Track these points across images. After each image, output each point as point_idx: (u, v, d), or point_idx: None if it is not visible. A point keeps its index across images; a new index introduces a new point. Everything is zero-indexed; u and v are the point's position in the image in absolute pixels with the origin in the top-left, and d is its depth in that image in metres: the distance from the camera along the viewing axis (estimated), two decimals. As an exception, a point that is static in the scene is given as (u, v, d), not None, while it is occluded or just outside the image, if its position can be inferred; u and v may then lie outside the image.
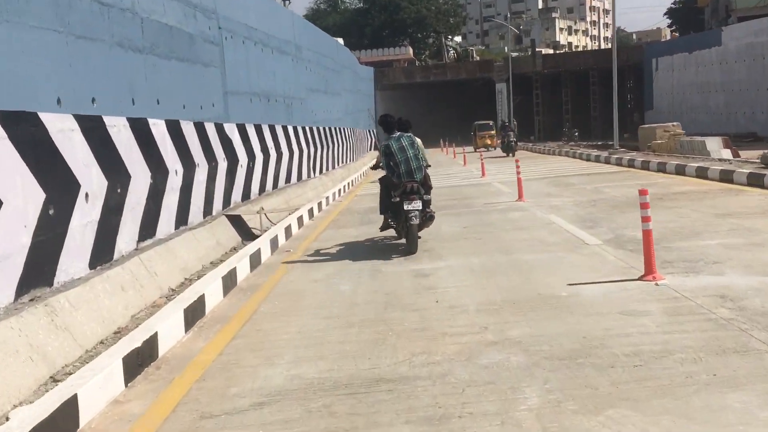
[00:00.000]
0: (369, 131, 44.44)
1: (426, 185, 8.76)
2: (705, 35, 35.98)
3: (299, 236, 11.09)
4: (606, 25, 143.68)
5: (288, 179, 17.01)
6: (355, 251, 9.00)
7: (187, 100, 10.18)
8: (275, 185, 15.60)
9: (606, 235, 8.69)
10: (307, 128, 19.95)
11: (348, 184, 21.04)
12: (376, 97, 48.34)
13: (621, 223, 9.45)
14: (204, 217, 10.58)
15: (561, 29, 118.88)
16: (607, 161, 22.08)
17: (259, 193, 14.19)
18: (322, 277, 7.56)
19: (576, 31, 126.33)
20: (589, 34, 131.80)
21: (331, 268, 8.03)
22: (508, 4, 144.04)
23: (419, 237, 8.70)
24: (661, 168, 17.43)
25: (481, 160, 22.33)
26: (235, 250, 9.97)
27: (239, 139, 12.92)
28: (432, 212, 8.87)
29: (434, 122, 55.20)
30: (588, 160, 24.20)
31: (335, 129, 25.64)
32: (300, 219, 12.22)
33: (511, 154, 29.79)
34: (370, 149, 43.89)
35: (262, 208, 11.87)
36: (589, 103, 46.58)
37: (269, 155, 15.09)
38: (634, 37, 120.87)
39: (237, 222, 11.27)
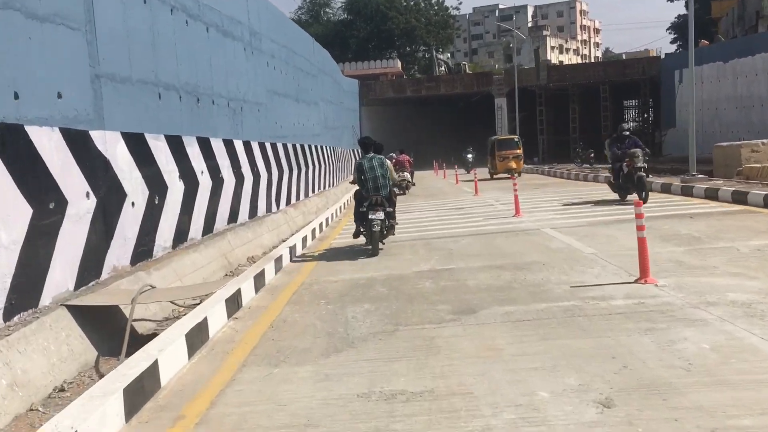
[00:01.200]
0: (352, 151, 39.27)
1: (390, 200, 10.48)
2: (748, 40, 31.18)
3: (219, 349, 5.69)
4: (597, 44, 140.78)
5: (233, 218, 11.63)
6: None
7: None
8: (208, 229, 10.21)
9: None
10: (268, 144, 14.64)
11: (326, 220, 15.71)
12: (361, 113, 43.25)
13: None
14: (12, 315, 5.19)
15: (552, 47, 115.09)
16: (687, 193, 15.28)
17: (174, 246, 8.78)
18: None
19: (567, 50, 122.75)
20: (580, 53, 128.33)
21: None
22: (497, 23, 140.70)
23: (383, 243, 10.47)
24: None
25: (515, 191, 14.77)
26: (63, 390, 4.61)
27: (127, 157, 7.55)
28: (395, 223, 10.83)
29: (426, 141, 50.23)
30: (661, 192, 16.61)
31: (310, 147, 20.37)
32: (234, 297, 6.84)
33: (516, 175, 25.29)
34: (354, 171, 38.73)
35: (152, 287, 6.43)
36: (599, 121, 41.77)
37: (196, 183, 9.73)
38: (624, 57, 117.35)
39: (93, 316, 5.86)
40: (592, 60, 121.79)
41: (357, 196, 10.65)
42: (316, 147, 21.63)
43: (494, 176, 28.39)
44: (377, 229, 10.00)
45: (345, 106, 36.38)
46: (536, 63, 41.60)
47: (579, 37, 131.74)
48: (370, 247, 10.12)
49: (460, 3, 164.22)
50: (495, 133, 43.13)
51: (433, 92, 43.84)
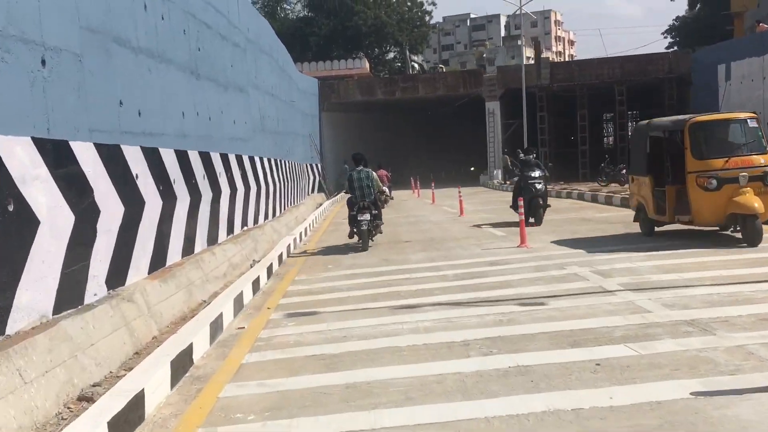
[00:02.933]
0: (313, 167, 31.14)
1: (376, 205, 12.88)
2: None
3: None
4: (571, 56, 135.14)
5: None
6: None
7: None
8: None
9: None
10: (86, 149, 6.40)
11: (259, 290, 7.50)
12: (321, 120, 35.13)
13: None
14: None
15: (528, 57, 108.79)
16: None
17: None
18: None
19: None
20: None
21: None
22: (469, 32, 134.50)
23: (372, 240, 12.77)
24: None
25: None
26: None
27: None
28: (380, 223, 13.24)
29: (402, 155, 42.28)
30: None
31: (231, 159, 12.23)
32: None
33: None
34: (314, 190, 30.60)
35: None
36: (615, 129, 34.36)
37: None
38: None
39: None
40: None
41: (349, 203, 13.08)
42: (245, 160, 13.49)
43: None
44: (365, 228, 12.34)
45: (300, 109, 28.31)
46: (536, 58, 34.02)
47: (554, 48, 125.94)
48: (361, 243, 12.43)
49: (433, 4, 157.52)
50: (488, 144, 35.33)
51: (410, 95, 35.93)
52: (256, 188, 14.59)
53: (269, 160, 17.01)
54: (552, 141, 34.72)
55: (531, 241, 11.71)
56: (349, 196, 13.15)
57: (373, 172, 13.18)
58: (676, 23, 59.45)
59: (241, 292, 8.11)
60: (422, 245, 12.48)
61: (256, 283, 9.08)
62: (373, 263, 10.93)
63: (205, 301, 8.05)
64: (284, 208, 19.31)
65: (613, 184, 25.42)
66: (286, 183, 19.93)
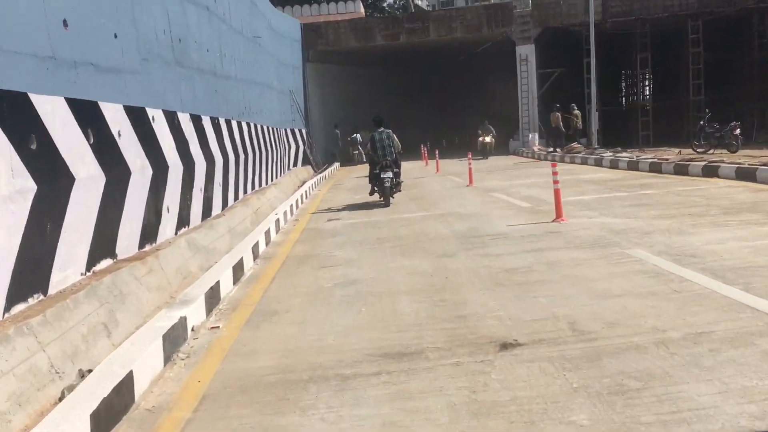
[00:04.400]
0: (296, 133, 23.77)
1: (396, 163, 13.17)
2: None
3: None
4: None
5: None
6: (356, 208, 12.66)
7: None
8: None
9: None
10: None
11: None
12: (305, 72, 27.47)
13: None
14: None
15: None
16: None
17: None
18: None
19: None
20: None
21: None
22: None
23: (392, 197, 13.10)
24: None
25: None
26: None
27: None
28: (401, 181, 13.69)
29: (406, 116, 34.69)
30: None
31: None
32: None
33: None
34: (296, 163, 23.27)
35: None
36: (682, 80, 26.81)
37: None
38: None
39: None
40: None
41: (370, 161, 13.62)
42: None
43: None
44: (388, 185, 12.76)
45: (275, 55, 20.84)
46: (584, -13, 26.26)
47: None
48: (383, 200, 12.88)
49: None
50: (519, 101, 27.56)
51: (419, 38, 28.05)
52: (154, 170, 7.10)
53: (196, 119, 9.49)
54: (605, 96, 27.12)
55: None
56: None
57: (393, 133, 13.49)
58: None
59: None
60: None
61: None
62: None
63: None
64: (237, 196, 11.88)
65: (717, 150, 17.88)
66: (238, 157, 12.43)
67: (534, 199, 11.88)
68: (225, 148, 11.27)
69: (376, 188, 13.30)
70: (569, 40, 26.71)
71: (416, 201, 13.13)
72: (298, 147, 24.10)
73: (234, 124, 12.49)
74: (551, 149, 24.87)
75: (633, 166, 16.56)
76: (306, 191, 16.61)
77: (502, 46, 27.99)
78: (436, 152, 24.55)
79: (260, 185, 15.16)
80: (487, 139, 25.80)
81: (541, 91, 27.19)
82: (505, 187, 14.50)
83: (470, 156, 18.17)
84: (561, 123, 24.53)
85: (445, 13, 29.53)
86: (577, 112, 24.84)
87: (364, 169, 17.88)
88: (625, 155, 19.04)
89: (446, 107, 38.46)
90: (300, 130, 25.11)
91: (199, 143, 9.58)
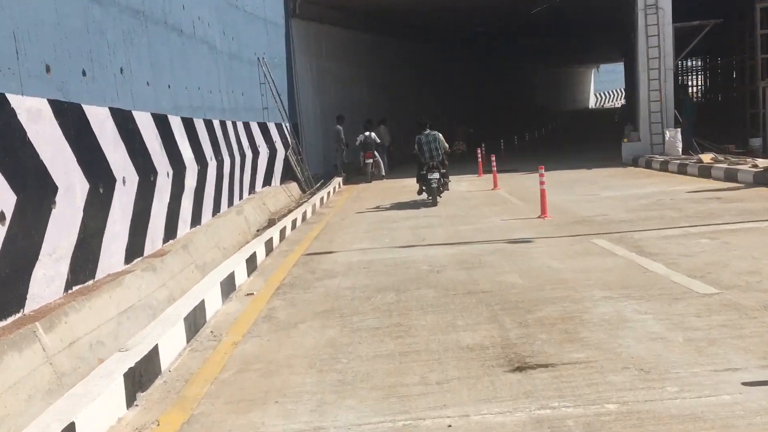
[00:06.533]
0: (269, 129, 14.59)
1: (443, 164, 13.69)
2: None
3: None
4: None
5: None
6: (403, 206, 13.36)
7: None
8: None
9: None
10: None
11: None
12: (289, 31, 18.04)
13: None
14: None
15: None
16: None
17: None
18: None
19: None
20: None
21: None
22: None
23: (440, 197, 13.56)
24: None
25: None
26: None
27: None
28: (448, 181, 14.10)
29: (447, 105, 25.61)
30: None
31: None
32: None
33: None
34: (270, 179, 14.22)
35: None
36: None
37: None
38: None
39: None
40: None
41: (417, 163, 13.97)
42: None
43: None
44: (435, 185, 13.35)
45: (245, 10, 11.72)
46: None
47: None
48: (431, 199, 13.45)
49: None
50: (638, 90, 18.13)
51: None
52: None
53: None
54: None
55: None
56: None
57: (439, 134, 13.90)
58: None
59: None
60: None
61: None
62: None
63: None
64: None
65: None
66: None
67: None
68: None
69: (423, 188, 13.77)
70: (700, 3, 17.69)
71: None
72: (274, 152, 15.03)
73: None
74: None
75: None
76: (272, 248, 8.07)
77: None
78: (492, 160, 15.96)
79: (147, 248, 6.19)
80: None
81: (681, 56, 18.24)
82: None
83: (542, 170, 9.81)
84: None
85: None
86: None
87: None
88: None
89: (502, 90, 29.50)
90: (279, 125, 16.01)
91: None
